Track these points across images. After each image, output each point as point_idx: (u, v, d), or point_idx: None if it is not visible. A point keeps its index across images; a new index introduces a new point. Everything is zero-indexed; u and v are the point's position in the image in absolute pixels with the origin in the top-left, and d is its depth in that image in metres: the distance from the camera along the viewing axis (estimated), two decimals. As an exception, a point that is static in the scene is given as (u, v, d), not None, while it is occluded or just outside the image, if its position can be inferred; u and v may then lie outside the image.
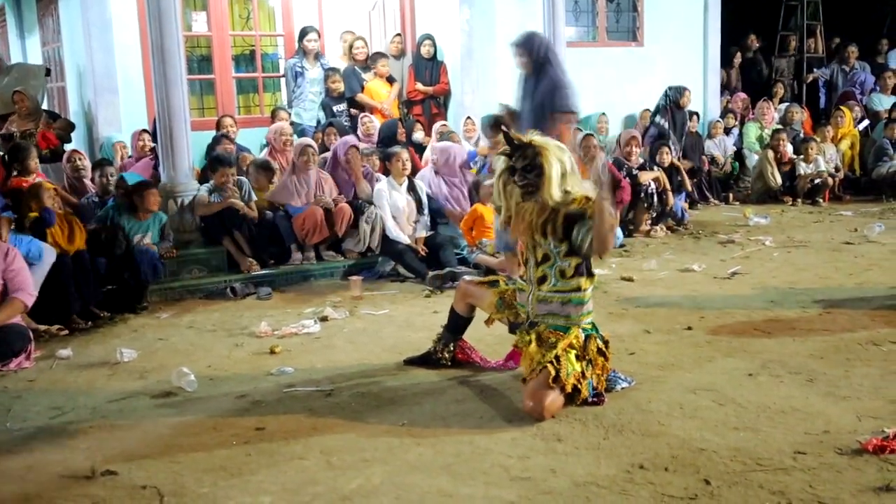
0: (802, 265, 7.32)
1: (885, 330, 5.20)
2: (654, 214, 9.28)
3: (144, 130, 8.59)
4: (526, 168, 4.17)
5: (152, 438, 3.97)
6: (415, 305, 6.53)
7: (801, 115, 12.22)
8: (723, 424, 3.82)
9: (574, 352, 4.13)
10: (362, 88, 10.03)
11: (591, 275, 4.27)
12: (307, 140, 8.19)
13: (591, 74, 10.97)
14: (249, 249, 7.39)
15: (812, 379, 4.36)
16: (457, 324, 4.86)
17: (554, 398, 4.00)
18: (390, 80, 10.19)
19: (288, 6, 10.29)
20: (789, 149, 11.23)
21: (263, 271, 7.35)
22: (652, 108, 11.10)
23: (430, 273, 7.15)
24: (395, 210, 7.65)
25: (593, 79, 10.99)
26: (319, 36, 10.09)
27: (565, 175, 4.19)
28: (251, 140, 9.45)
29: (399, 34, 10.73)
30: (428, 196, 8.04)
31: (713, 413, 3.96)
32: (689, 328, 5.44)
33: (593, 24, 11.57)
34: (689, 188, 10.18)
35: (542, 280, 4.26)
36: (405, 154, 7.88)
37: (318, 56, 10.03)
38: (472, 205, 7.98)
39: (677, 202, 9.53)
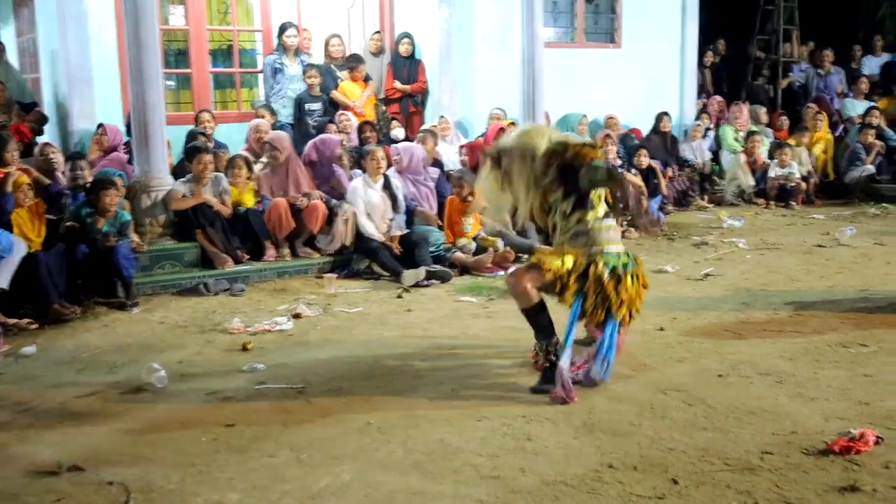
0: (775, 267, 7.38)
1: (854, 332, 5.25)
2: (630, 216, 9.31)
3: (101, 125, 8.44)
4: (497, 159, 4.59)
5: (121, 434, 3.94)
6: (389, 304, 6.52)
7: (766, 117, 12.31)
8: (692, 425, 3.84)
9: (565, 265, 4.32)
10: (337, 87, 10.00)
11: (591, 206, 4.41)
12: (275, 135, 8.16)
13: (569, 75, 11.02)
14: (223, 245, 7.34)
15: (781, 380, 4.39)
16: (538, 321, 4.44)
17: (532, 277, 4.32)
18: (366, 79, 10.16)
19: (266, 2, 10.24)
20: (763, 152, 11.33)
21: (237, 267, 7.31)
22: (623, 114, 11.16)
23: (406, 271, 7.15)
24: (369, 208, 7.64)
25: (571, 79, 11.04)
26: (299, 32, 10.04)
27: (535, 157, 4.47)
28: (227, 136, 9.40)
29: (378, 32, 10.71)
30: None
31: (683, 413, 3.98)
32: (662, 329, 5.48)
33: (572, 25, 11.59)
34: (665, 191, 10.23)
35: (554, 229, 4.54)
36: (380, 152, 7.87)
37: (297, 52, 9.98)
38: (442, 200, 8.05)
39: (652, 204, 9.57)
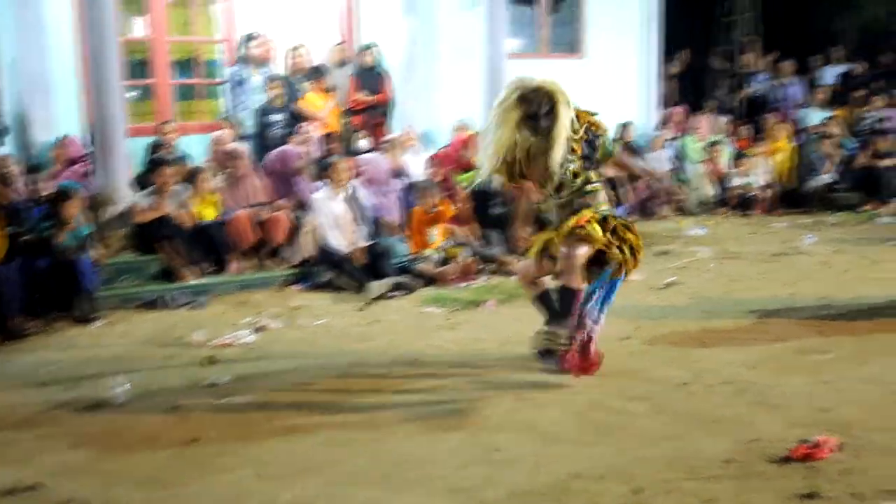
0: (737, 276, 7.45)
1: (815, 339, 5.32)
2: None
3: (63, 136, 8.33)
4: (547, 113, 4.49)
5: (82, 450, 3.88)
6: (353, 316, 6.50)
7: (727, 127, 12.44)
8: (657, 433, 3.86)
9: (595, 223, 4.54)
10: (301, 98, 9.95)
11: (595, 164, 4.71)
12: (236, 145, 8.11)
13: (533, 86, 11.05)
14: (186, 258, 7.28)
15: (744, 388, 4.44)
16: (548, 305, 4.80)
17: (585, 250, 4.51)
18: (330, 90, 10.13)
19: (230, 12, 10.18)
20: (725, 161, 11.45)
21: (200, 280, 7.24)
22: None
23: (370, 283, 7.13)
24: (333, 219, 7.61)
25: (535, 90, 11.08)
26: (262, 43, 9.99)
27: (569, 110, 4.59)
28: (191, 147, 9.31)
29: (341, 42, 10.69)
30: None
31: (647, 422, 4.01)
32: (626, 338, 5.50)
33: (535, 35, 11.65)
34: (629, 200, 10.30)
35: (559, 188, 4.64)
36: (344, 164, 7.86)
37: (260, 63, 9.92)
38: (408, 210, 8.05)
39: (617, 213, 9.60)
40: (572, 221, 4.56)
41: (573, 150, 4.60)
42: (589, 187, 4.66)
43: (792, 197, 11.80)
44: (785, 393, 4.34)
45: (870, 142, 11.67)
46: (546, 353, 4.82)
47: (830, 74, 14.30)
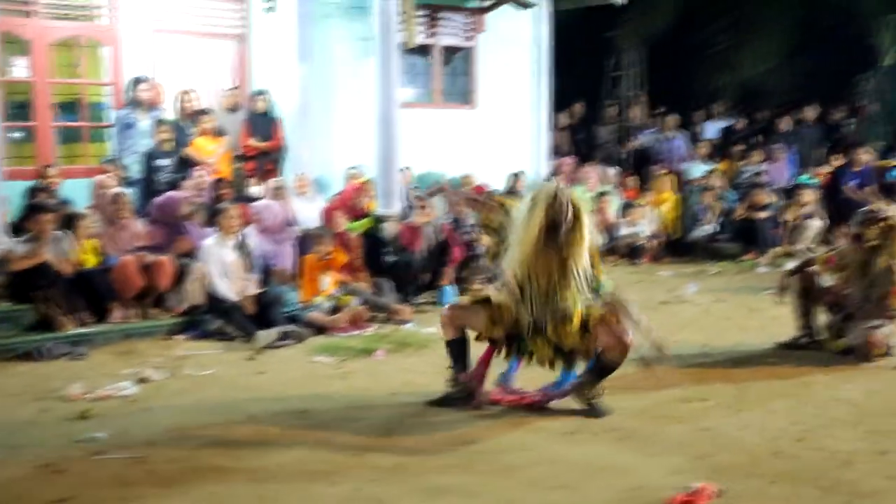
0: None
1: (695, 387, 5.46)
2: (487, 275, 9.45)
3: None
4: (570, 229, 4.62)
5: (-60, 514, 3.66)
6: (240, 366, 6.36)
7: (615, 178, 12.78)
8: (541, 483, 3.88)
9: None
10: (191, 143, 9.80)
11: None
12: (120, 189, 7.92)
13: (427, 135, 11.18)
14: (65, 306, 7.00)
15: (626, 436, 4.51)
16: (457, 352, 5.03)
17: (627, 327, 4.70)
18: (219, 134, 10.00)
19: (118, 55, 9.98)
20: (613, 211, 11.76)
21: (79, 330, 6.97)
22: (480, 173, 11.40)
23: (259, 332, 7.00)
24: (222, 267, 7.47)
25: (429, 139, 11.22)
26: (152, 87, 9.82)
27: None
28: (75, 191, 9.02)
29: (234, 87, 10.60)
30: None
31: (531, 472, 4.02)
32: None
33: (429, 86, 11.81)
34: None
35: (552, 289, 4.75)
36: (234, 210, 7.73)
37: (150, 107, 9.74)
38: (301, 257, 7.98)
39: (507, 262, 9.73)
40: (598, 311, 4.76)
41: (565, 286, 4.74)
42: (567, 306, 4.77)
43: (677, 246, 12.20)
44: (665, 441, 4.43)
45: (749, 194, 12.18)
46: (448, 400, 5.04)
47: (712, 129, 14.93)
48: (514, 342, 4.99)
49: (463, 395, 5.04)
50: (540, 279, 4.76)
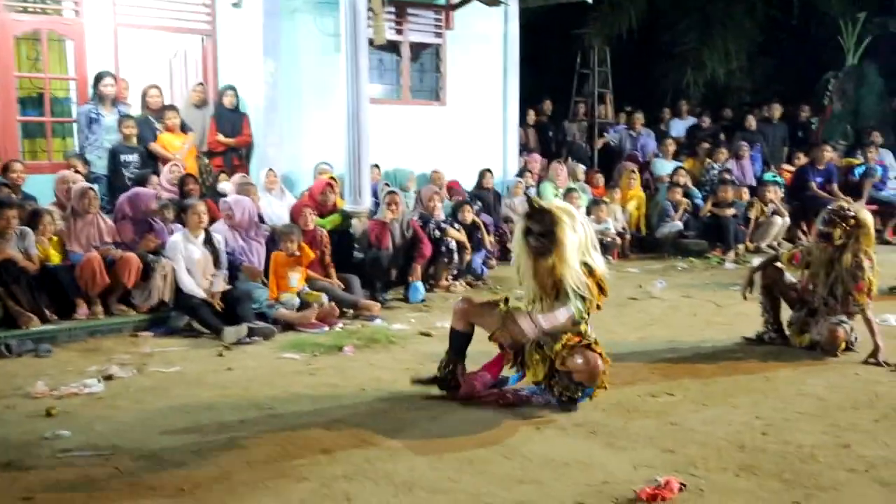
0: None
1: (662, 383, 5.51)
2: (455, 271, 9.47)
3: None
4: (541, 233, 4.62)
5: None
6: (208, 362, 6.31)
7: (583, 175, 12.83)
8: (509, 478, 3.90)
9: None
10: (156, 138, 9.72)
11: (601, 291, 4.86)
12: (86, 184, 7.82)
13: (396, 131, 11.18)
14: (29, 303, 6.91)
15: (594, 431, 4.54)
16: (459, 343, 5.14)
17: (598, 357, 4.70)
18: (185, 129, 9.93)
19: (81, 49, 9.86)
20: (581, 208, 11.81)
21: (44, 327, 6.88)
22: (448, 169, 11.41)
23: (227, 328, 6.95)
24: (189, 263, 7.41)
25: (398, 136, 11.21)
26: (116, 82, 9.72)
27: (580, 247, 4.70)
28: (38, 187, 8.91)
29: (201, 83, 10.52)
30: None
31: (500, 467, 4.04)
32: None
33: (397, 82, 11.80)
34: (489, 246, 10.47)
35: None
36: (202, 206, 7.67)
37: (114, 102, 9.65)
38: (268, 254, 7.93)
39: (476, 259, 9.77)
40: (566, 340, 4.76)
41: (558, 294, 4.73)
42: (573, 329, 4.83)
43: (644, 243, 12.30)
44: (632, 435, 4.47)
45: (715, 191, 12.30)
46: (433, 382, 5.22)
47: (678, 127, 15.06)
48: (519, 354, 5.02)
49: (447, 381, 5.16)
50: (539, 291, 4.82)
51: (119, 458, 4.21)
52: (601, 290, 4.83)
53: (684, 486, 3.72)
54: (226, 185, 9.56)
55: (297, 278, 7.75)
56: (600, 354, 4.79)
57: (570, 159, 13.40)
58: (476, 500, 3.66)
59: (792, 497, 3.65)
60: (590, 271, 4.76)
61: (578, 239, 4.71)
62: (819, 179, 12.86)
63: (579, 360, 4.68)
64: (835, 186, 12.82)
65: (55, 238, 7.45)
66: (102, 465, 4.14)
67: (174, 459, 4.19)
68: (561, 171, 12.40)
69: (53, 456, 4.27)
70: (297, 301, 7.62)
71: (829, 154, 13.10)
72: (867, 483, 3.82)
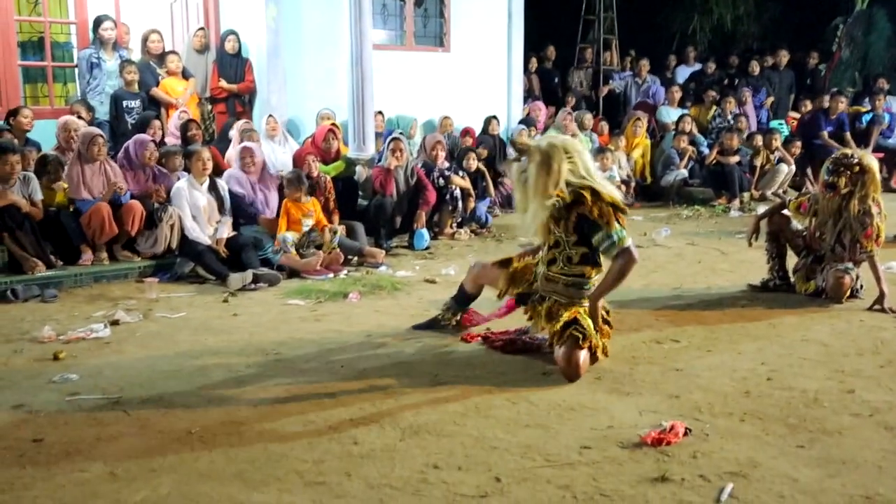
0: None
1: (668, 329, 5.52)
2: (459, 218, 9.45)
3: None
4: (526, 170, 4.60)
5: (-88, 455, 3.63)
6: (213, 308, 6.34)
7: (591, 122, 12.71)
8: (515, 422, 3.92)
9: (587, 318, 4.58)
10: (157, 83, 9.64)
11: (597, 265, 4.70)
12: (95, 129, 7.76)
13: (400, 78, 11.07)
14: (34, 249, 6.92)
15: (600, 376, 4.55)
16: (465, 298, 5.35)
17: (585, 357, 4.51)
18: (186, 75, 9.83)
19: (82, -7, 9.74)
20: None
21: (49, 272, 6.91)
22: (455, 115, 11.32)
23: (232, 275, 6.96)
24: (194, 210, 7.40)
25: (401, 82, 11.11)
26: (116, 26, 9.61)
27: (576, 175, 4.49)
28: (40, 133, 8.86)
29: (202, 28, 10.40)
30: (232, 196, 7.83)
31: (506, 411, 4.06)
32: (488, 328, 5.55)
33: (401, 28, 11.66)
34: (493, 194, 10.44)
35: (551, 262, 4.72)
36: (206, 153, 7.64)
37: (115, 47, 9.55)
38: (280, 202, 7.90)
39: (480, 206, 9.74)
40: (565, 316, 4.58)
41: (563, 226, 4.57)
42: (582, 281, 4.68)
43: (649, 191, 12.26)
44: (637, 381, 4.48)
45: (720, 139, 12.21)
46: (433, 324, 5.46)
47: (684, 74, 14.90)
48: (525, 302, 5.02)
49: (448, 323, 5.40)
50: (546, 237, 4.74)
51: (127, 402, 4.24)
52: (617, 210, 4.53)
53: (689, 430, 3.73)
54: (235, 131, 9.49)
55: (309, 224, 7.73)
56: (598, 347, 4.63)
57: (575, 106, 13.27)
58: (481, 443, 3.68)
59: (796, 441, 3.67)
60: (596, 195, 4.49)
61: (564, 168, 4.47)
62: (830, 128, 12.76)
63: (561, 355, 4.53)
64: (847, 135, 12.70)
65: (62, 184, 7.41)
66: (110, 408, 4.17)
67: (182, 403, 4.22)
68: (570, 122, 12.23)
69: (61, 399, 4.30)
70: (302, 248, 7.57)
71: (841, 104, 12.96)
72: (872, 427, 3.84)
